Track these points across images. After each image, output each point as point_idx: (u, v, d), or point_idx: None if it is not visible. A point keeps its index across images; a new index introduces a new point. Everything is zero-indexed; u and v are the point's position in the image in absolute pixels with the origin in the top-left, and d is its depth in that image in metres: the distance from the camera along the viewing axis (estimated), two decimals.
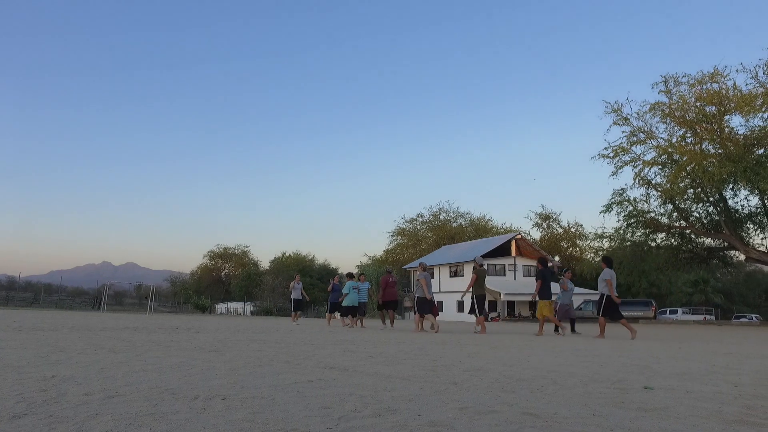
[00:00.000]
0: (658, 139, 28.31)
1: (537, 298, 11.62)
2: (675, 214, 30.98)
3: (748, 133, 26.25)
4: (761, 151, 25.74)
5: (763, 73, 25.15)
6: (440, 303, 37.27)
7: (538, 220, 56.03)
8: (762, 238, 30.39)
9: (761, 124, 25.82)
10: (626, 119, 28.65)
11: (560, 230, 54.74)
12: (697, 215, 31.21)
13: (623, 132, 29.02)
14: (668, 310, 40.07)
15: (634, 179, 29.19)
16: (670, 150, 27.38)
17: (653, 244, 32.29)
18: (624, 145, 28.88)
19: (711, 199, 29.57)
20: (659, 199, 30.22)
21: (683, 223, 31.04)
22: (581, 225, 60.06)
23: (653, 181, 29.25)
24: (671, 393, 3.15)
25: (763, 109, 24.77)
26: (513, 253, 40.56)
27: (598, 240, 35.51)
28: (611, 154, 29.07)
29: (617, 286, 35.97)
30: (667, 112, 27.59)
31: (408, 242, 57.43)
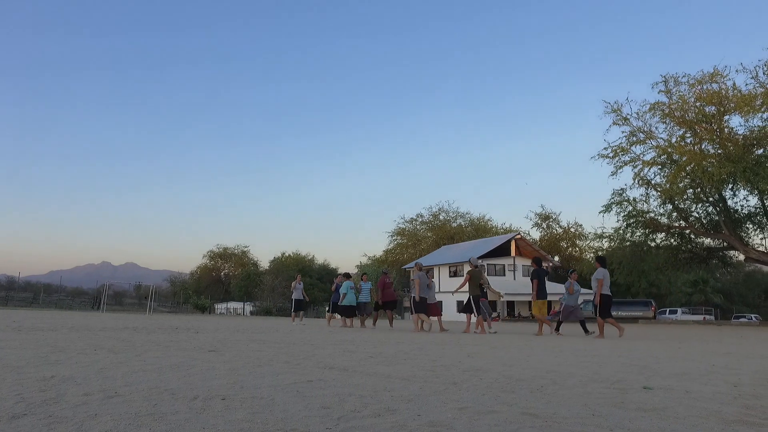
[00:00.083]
0: (658, 139, 28.32)
1: (537, 298, 11.63)
2: (674, 214, 30.98)
3: (748, 133, 26.26)
4: (761, 151, 25.74)
5: (763, 74, 25.17)
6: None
7: (537, 220, 56.09)
8: (761, 238, 30.41)
9: (761, 124, 25.84)
10: (626, 119, 28.64)
11: (560, 230, 54.77)
12: (697, 215, 31.21)
13: (623, 132, 29.02)
14: (668, 310, 40.09)
15: (634, 179, 29.19)
16: (669, 150, 27.37)
17: (653, 244, 32.28)
18: (623, 145, 28.88)
19: (710, 199, 29.57)
20: (659, 199, 30.22)
21: (683, 223, 31.04)
22: (581, 225, 60.14)
23: (653, 181, 29.25)
24: (670, 393, 3.15)
25: (762, 110, 24.77)
26: (513, 253, 40.57)
27: (598, 240, 35.50)
28: (611, 154, 29.07)
29: (616, 285, 35.60)
30: (666, 112, 27.58)
31: (408, 242, 57.44)
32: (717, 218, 29.74)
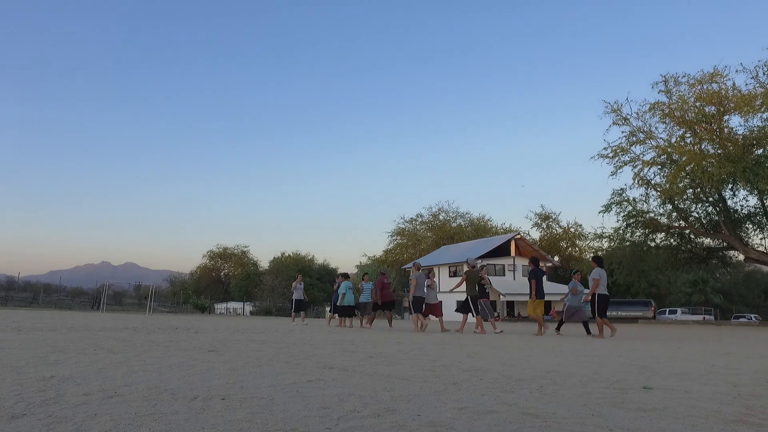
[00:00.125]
0: (658, 139, 28.32)
1: (536, 298, 11.62)
2: (674, 214, 30.99)
3: (747, 133, 26.26)
4: (760, 151, 25.75)
5: (763, 74, 25.17)
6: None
7: (537, 220, 56.08)
8: (761, 238, 30.43)
9: (760, 124, 25.85)
10: (626, 119, 28.65)
11: (560, 230, 54.77)
12: (697, 215, 31.23)
13: (623, 132, 29.03)
14: (667, 310, 40.09)
15: (634, 179, 29.19)
16: (669, 150, 27.37)
17: (652, 244, 32.30)
18: (623, 145, 28.88)
19: (710, 199, 29.58)
20: (658, 199, 30.23)
21: (682, 223, 31.05)
22: (581, 225, 60.13)
23: (652, 181, 29.26)
24: (670, 393, 3.15)
25: (762, 110, 24.77)
26: (512, 253, 40.57)
27: (598, 240, 35.53)
28: (611, 154, 29.08)
29: (616, 285, 35.55)
30: (666, 112, 27.59)
31: (407, 242, 57.43)
32: (717, 218, 29.75)
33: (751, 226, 30.34)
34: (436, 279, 41.30)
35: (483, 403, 2.68)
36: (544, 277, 42.54)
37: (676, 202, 29.97)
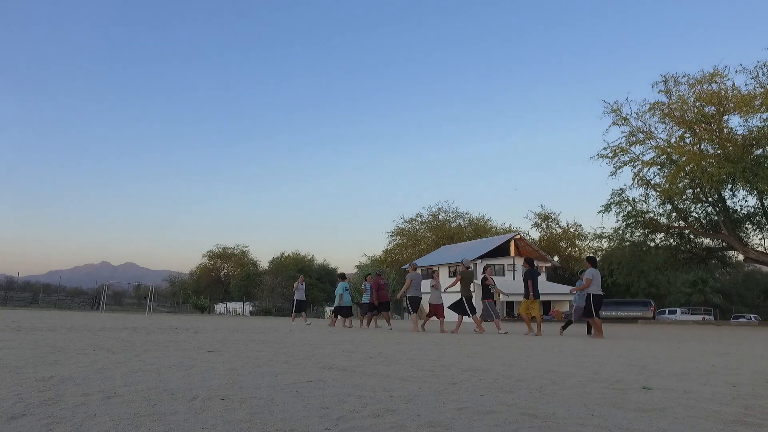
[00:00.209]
0: (657, 140, 28.34)
1: (534, 298, 11.62)
2: (674, 214, 31.01)
3: (747, 133, 26.28)
4: (760, 151, 25.77)
5: (763, 74, 25.19)
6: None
7: (537, 221, 56.11)
8: (760, 239, 30.45)
9: (760, 124, 25.87)
10: (625, 119, 28.66)
11: (559, 230, 54.79)
12: (696, 215, 31.24)
13: (622, 132, 29.06)
14: (667, 310, 40.10)
15: (633, 179, 29.21)
16: (669, 150, 27.39)
17: (652, 244, 32.32)
18: (623, 145, 28.90)
19: (710, 199, 29.60)
20: (658, 200, 30.25)
21: (682, 223, 31.07)
22: (580, 225, 60.16)
23: (652, 182, 29.28)
24: (670, 393, 3.16)
25: (761, 110, 24.79)
26: (512, 253, 40.60)
27: (597, 240, 35.57)
28: (610, 155, 29.10)
29: (616, 285, 35.54)
30: (666, 112, 27.60)
31: (407, 242, 57.45)
32: (716, 218, 29.77)
33: (750, 226, 30.37)
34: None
35: (482, 403, 2.68)
36: (543, 277, 42.50)
37: (675, 202, 29.99)
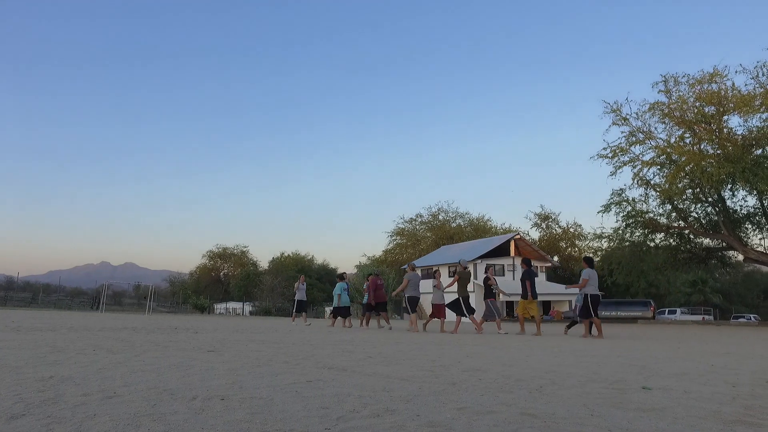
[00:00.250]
0: (657, 140, 28.35)
1: (532, 298, 11.63)
2: (674, 214, 31.01)
3: (747, 133, 26.29)
4: (759, 151, 25.77)
5: (763, 75, 25.19)
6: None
7: (537, 221, 56.12)
8: (760, 239, 30.45)
9: (759, 124, 25.87)
10: (625, 119, 28.67)
11: (559, 230, 54.80)
12: (696, 215, 31.25)
13: (622, 132, 29.06)
14: (667, 310, 40.11)
15: (633, 179, 29.21)
16: (668, 150, 27.39)
17: (652, 244, 32.32)
18: (623, 145, 28.90)
19: (709, 199, 29.61)
20: (658, 200, 30.26)
21: (682, 223, 31.07)
22: (580, 225, 60.17)
23: (652, 182, 29.28)
24: (669, 393, 3.16)
25: (761, 110, 24.79)
26: (512, 253, 40.60)
27: (597, 240, 35.57)
28: (610, 155, 29.11)
29: (616, 285, 35.44)
30: (666, 112, 27.60)
31: (407, 242, 57.46)
32: (716, 218, 29.78)
33: (750, 226, 30.37)
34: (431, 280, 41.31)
35: (482, 403, 2.68)
36: (543, 277, 42.47)
37: (675, 202, 30.00)
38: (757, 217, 29.63)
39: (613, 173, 29.47)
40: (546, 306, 40.34)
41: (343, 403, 2.60)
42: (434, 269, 14.79)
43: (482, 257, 38.70)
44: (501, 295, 12.08)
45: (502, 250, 40.14)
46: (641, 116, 28.43)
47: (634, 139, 28.62)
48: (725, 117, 26.53)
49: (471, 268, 38.17)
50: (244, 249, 68.78)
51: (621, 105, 28.93)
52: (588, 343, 8.57)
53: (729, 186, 28.01)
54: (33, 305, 39.49)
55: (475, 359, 5.08)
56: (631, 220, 31.39)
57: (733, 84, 26.13)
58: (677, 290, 45.90)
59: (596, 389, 3.24)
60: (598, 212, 31.74)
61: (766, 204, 28.02)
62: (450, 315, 15.78)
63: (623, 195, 30.82)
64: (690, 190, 29.09)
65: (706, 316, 39.69)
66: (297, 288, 16.17)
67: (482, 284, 12.07)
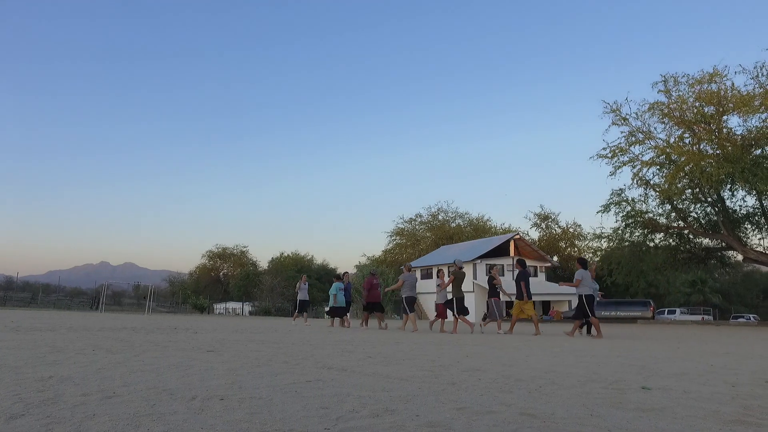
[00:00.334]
0: (657, 140, 28.35)
1: (527, 299, 11.64)
2: (673, 214, 31.02)
3: (746, 133, 26.29)
4: (759, 151, 25.78)
5: (763, 75, 25.20)
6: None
7: (536, 221, 56.11)
8: (759, 239, 30.45)
9: (759, 124, 25.88)
10: (625, 119, 28.67)
11: (559, 230, 54.80)
12: (695, 215, 31.26)
13: (622, 132, 29.06)
14: (666, 310, 40.14)
15: (633, 179, 29.21)
16: (668, 150, 27.40)
17: (651, 245, 32.32)
18: (622, 145, 28.90)
19: (709, 199, 29.61)
20: (657, 200, 30.26)
21: (681, 223, 31.08)
22: (579, 225, 60.17)
23: (651, 182, 29.28)
24: (669, 393, 3.16)
25: (761, 110, 24.80)
26: (511, 253, 40.62)
27: (597, 240, 35.57)
28: (609, 155, 29.11)
29: (615, 285, 35.38)
30: (665, 112, 27.61)
31: (407, 242, 57.47)
32: (715, 218, 29.78)
33: (749, 226, 30.38)
34: (434, 280, 41.34)
35: (482, 403, 2.68)
36: (542, 277, 42.44)
37: (675, 202, 30.00)
38: (756, 217, 29.65)
39: (612, 173, 29.49)
40: (546, 306, 40.34)
41: (343, 403, 2.60)
42: (437, 269, 14.78)
43: (482, 257, 38.71)
44: (503, 294, 12.09)
45: (501, 250, 40.15)
46: (641, 116, 28.46)
47: (633, 139, 28.63)
48: (725, 117, 26.54)
49: (471, 268, 38.17)
50: (244, 249, 68.81)
51: (621, 105, 28.97)
52: (587, 343, 8.57)
53: (728, 186, 28.02)
54: (32, 305, 39.46)
55: (474, 359, 5.08)
56: (630, 220, 31.40)
57: (733, 84, 26.16)
58: (677, 290, 45.93)
59: (596, 389, 3.25)
60: (597, 212, 31.77)
61: (765, 204, 28.03)
62: (450, 315, 15.78)
63: (623, 195, 30.84)
64: (689, 190, 29.10)
65: (706, 316, 39.71)
66: (299, 288, 16.08)
67: (488, 283, 12.19)
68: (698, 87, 26.67)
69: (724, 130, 26.71)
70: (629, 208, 30.91)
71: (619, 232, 32.38)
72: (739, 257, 31.92)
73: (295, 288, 16.54)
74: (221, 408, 2.41)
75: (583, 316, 10.95)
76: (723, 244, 30.55)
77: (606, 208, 31.21)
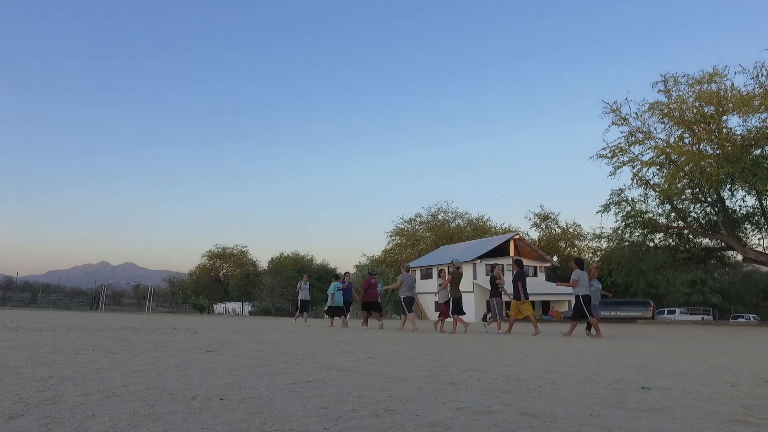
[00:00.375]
0: (657, 140, 28.36)
1: (524, 299, 11.64)
2: (673, 214, 31.03)
3: (746, 133, 26.30)
4: (758, 151, 25.79)
5: (763, 76, 25.20)
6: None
7: (536, 221, 56.12)
8: (759, 239, 30.46)
9: (758, 124, 25.88)
10: (625, 119, 28.68)
11: (558, 230, 54.81)
12: (695, 215, 31.27)
13: (621, 132, 29.07)
14: (666, 310, 40.16)
15: (632, 179, 29.21)
16: (668, 150, 27.40)
17: (651, 245, 32.33)
18: (622, 145, 28.91)
19: (709, 199, 29.62)
20: (657, 200, 30.27)
21: (681, 223, 31.09)
22: (579, 225, 60.19)
23: (651, 182, 29.29)
24: (669, 393, 3.16)
25: (761, 110, 24.81)
26: (511, 253, 40.64)
27: (596, 240, 35.58)
28: (609, 155, 29.12)
29: (615, 285, 35.40)
30: (665, 112, 27.61)
31: (407, 242, 57.49)
32: (715, 218, 29.79)
33: (749, 226, 30.39)
34: (434, 280, 41.37)
35: (481, 403, 2.68)
36: (542, 277, 42.43)
37: (674, 202, 30.01)
38: (756, 217, 29.65)
39: (612, 173, 29.50)
40: (545, 306, 40.35)
41: (343, 403, 2.60)
42: (439, 269, 14.84)
43: (481, 257, 38.73)
44: (505, 294, 12.10)
45: (501, 251, 40.17)
46: (641, 116, 28.47)
47: (633, 139, 28.64)
48: (724, 117, 26.54)
49: (471, 268, 38.16)
50: (244, 249, 68.85)
51: (620, 105, 28.99)
52: (587, 343, 8.58)
53: (728, 186, 28.03)
54: (32, 305, 39.46)
55: (474, 359, 5.09)
56: (630, 220, 31.41)
57: (733, 84, 26.17)
58: (676, 290, 45.95)
59: (595, 389, 3.25)
60: (597, 212, 31.78)
61: (765, 204, 28.04)
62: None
63: (622, 195, 30.85)
64: (689, 190, 29.10)
65: (706, 316, 39.72)
66: (300, 288, 16.02)
67: (490, 283, 12.24)
68: (698, 87, 26.68)
69: (724, 130, 26.72)
70: (629, 208, 30.92)
71: (619, 232, 32.40)
72: (739, 257, 31.93)
73: (295, 288, 16.56)
74: (221, 408, 2.41)
75: (580, 316, 10.97)
76: (723, 244, 30.56)
77: (606, 208, 31.23)
